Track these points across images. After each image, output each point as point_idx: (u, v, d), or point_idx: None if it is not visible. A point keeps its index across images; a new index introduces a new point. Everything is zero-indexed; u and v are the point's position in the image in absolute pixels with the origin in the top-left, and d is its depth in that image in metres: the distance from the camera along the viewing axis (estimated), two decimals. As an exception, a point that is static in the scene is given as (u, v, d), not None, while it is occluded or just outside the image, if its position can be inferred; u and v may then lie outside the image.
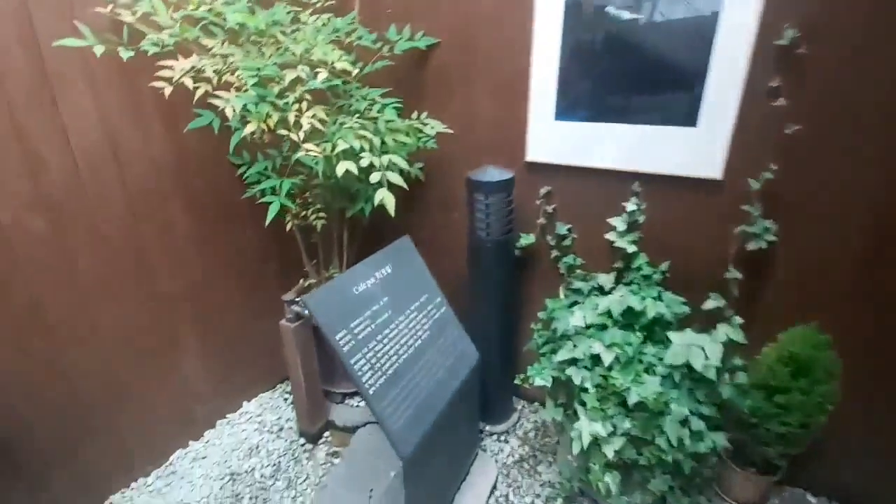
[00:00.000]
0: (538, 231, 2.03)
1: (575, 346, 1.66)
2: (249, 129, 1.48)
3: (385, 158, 1.57)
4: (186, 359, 2.12)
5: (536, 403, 2.43)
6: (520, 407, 2.43)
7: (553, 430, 2.26)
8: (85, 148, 1.65)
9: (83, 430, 1.80)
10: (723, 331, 1.57)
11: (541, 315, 1.93)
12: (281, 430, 2.31)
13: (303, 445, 2.22)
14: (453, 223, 2.27)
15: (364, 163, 1.54)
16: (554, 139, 1.88)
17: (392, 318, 1.59)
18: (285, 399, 2.50)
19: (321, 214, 1.99)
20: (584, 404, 1.59)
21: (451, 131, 1.97)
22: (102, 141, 1.69)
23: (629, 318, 1.68)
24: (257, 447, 2.21)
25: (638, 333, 1.66)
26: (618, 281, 1.90)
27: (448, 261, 2.35)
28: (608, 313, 1.69)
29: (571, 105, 1.81)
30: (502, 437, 2.26)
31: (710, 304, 1.70)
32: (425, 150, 1.98)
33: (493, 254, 1.89)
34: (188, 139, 1.89)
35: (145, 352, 1.95)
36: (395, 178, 1.54)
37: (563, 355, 1.65)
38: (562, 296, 1.94)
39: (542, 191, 1.96)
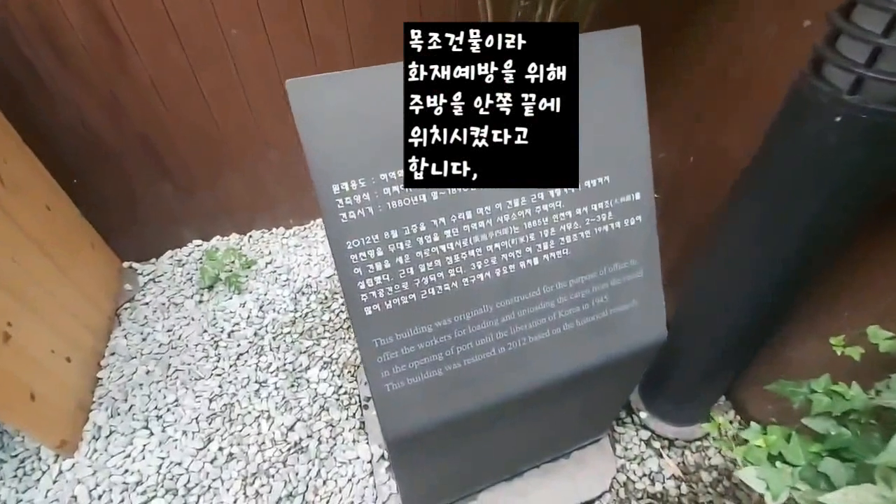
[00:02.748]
0: None
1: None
2: None
3: None
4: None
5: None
6: (721, 418, 1.39)
7: None
8: None
9: (223, 158, 1.70)
10: None
11: (877, 337, 0.76)
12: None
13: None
14: (786, 46, 0.98)
15: None
16: None
17: (495, 193, 0.76)
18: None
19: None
20: None
21: None
22: None
23: None
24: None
25: None
26: None
27: (728, 127, 1.16)
28: None
29: None
30: (661, 445, 1.36)
31: None
32: None
33: (848, 147, 0.68)
34: None
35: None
36: None
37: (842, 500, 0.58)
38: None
39: None
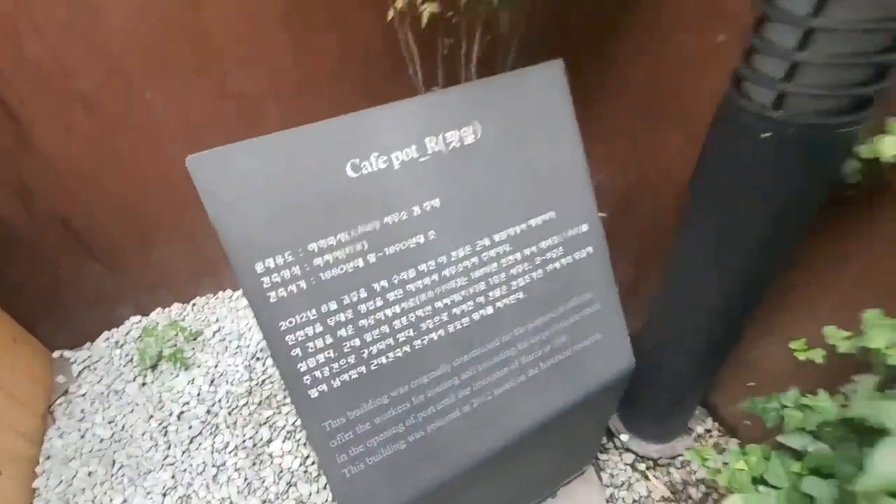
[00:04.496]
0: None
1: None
2: None
3: None
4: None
5: (735, 445, 1.33)
6: (702, 430, 1.38)
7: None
8: None
9: (155, 227, 1.60)
10: None
11: (835, 338, 0.76)
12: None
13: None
14: (707, 59, 1.00)
15: None
16: None
17: (436, 247, 0.71)
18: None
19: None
20: None
21: None
22: None
23: None
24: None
25: None
26: None
27: (662, 145, 1.17)
28: None
29: None
30: (646, 465, 1.33)
31: None
32: None
33: (779, 159, 0.68)
34: None
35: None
36: None
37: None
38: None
39: None
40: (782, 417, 0.74)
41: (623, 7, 1.13)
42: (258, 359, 1.66)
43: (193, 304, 1.84)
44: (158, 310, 1.81)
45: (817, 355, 0.86)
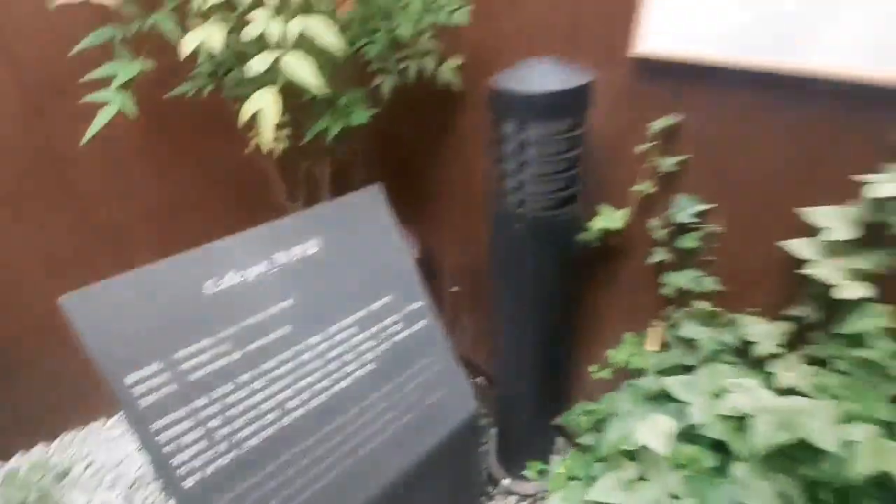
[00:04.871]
0: (636, 207, 1.03)
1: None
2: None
3: (296, 24, 0.77)
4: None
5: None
6: (558, 458, 1.60)
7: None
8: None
9: (12, 363, 1.52)
10: None
11: (615, 358, 1.04)
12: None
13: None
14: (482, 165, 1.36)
15: (255, 31, 0.77)
16: (706, 8, 0.81)
17: (293, 338, 0.87)
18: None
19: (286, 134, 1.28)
20: None
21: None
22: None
23: (808, 460, 0.70)
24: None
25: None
26: (793, 345, 0.87)
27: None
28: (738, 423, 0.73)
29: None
30: (528, 503, 1.49)
31: None
32: (448, 29, 1.08)
33: (529, 240, 0.99)
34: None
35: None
36: (301, 71, 0.74)
37: (601, 495, 0.78)
38: (649, 342, 0.99)
39: (659, 124, 0.93)
40: (579, 424, 0.98)
41: (438, 143, 1.48)
42: (138, 487, 1.58)
43: (61, 440, 1.71)
44: (21, 451, 1.66)
45: (607, 373, 1.13)
